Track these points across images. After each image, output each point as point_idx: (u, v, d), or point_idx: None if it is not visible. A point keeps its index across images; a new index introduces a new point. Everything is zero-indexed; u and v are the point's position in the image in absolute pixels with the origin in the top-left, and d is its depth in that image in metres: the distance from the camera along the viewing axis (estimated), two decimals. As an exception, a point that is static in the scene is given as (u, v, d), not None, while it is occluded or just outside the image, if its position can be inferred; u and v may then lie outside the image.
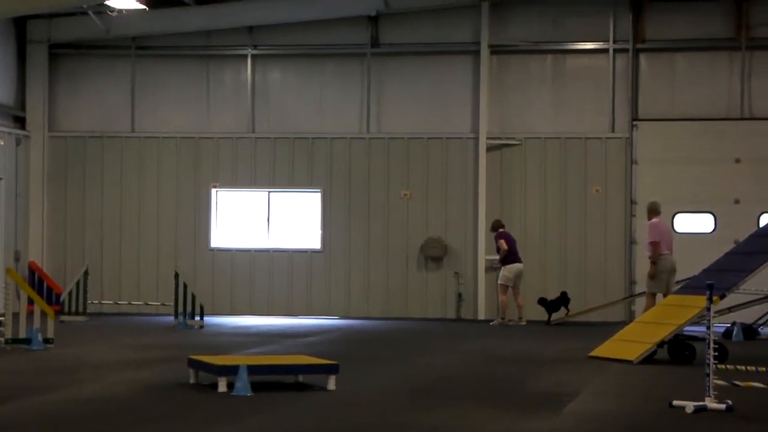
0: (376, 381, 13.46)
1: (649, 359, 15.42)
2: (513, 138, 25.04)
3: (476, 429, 10.16)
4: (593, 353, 16.19)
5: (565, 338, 19.94)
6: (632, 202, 24.49)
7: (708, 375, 11.20)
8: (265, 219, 25.83)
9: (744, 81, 24.43)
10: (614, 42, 24.92)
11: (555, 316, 23.33)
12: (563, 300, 23.44)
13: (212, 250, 25.65)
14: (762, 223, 22.84)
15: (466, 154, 25.13)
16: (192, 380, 12.67)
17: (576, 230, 24.77)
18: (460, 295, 24.90)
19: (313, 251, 25.55)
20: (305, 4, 25.44)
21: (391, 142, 25.47)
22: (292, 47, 25.98)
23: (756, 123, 24.26)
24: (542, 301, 23.43)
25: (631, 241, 24.46)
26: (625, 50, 24.86)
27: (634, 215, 24.39)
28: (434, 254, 24.92)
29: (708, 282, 11.86)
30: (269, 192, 25.85)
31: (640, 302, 22.33)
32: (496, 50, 25.19)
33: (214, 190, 25.78)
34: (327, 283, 25.37)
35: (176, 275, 21.73)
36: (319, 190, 25.62)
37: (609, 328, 19.08)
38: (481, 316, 24.64)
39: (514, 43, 25.24)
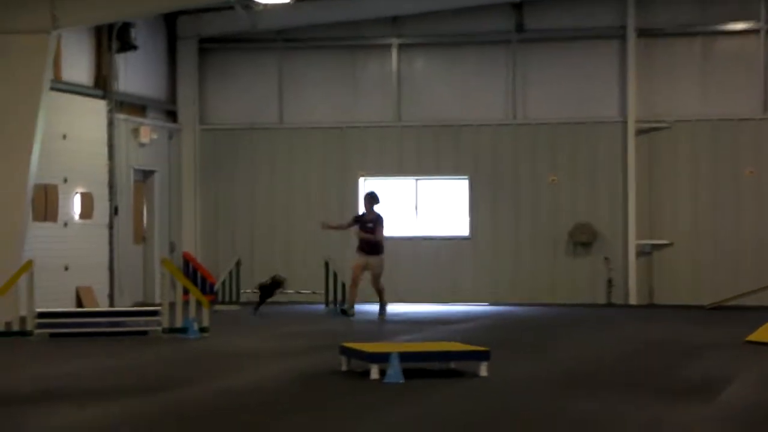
0: (527, 368, 13.42)
1: (808, 344, 15.07)
2: (663, 121, 24.69)
3: (628, 417, 10.04)
4: (750, 338, 15.86)
5: (719, 323, 19.60)
6: (786, 185, 23.96)
7: None
8: (412, 207, 25.95)
9: None
10: (766, 22, 24.36)
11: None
12: (275, 285, 21.98)
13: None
14: None
15: (613, 138, 24.87)
16: (344, 368, 12.79)
17: (729, 213, 24.31)
18: (610, 281, 24.66)
19: (461, 238, 25.58)
20: (449, -7, 25.46)
21: (538, 128, 25.34)
22: (436, 36, 26.02)
23: None
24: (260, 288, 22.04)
25: (787, 224, 23.94)
26: (777, 30, 24.32)
27: (787, 197, 23.86)
28: (583, 239, 24.72)
29: None
30: (416, 180, 25.96)
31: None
32: (642, 33, 24.85)
33: (362, 179, 25.98)
34: (475, 270, 25.38)
35: (326, 263, 21.97)
36: (466, 177, 25.62)
37: (766, 313, 18.68)
38: (632, 301, 24.38)
39: (661, 26, 24.87)
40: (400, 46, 26.15)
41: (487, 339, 15.83)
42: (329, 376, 12.52)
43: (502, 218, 25.34)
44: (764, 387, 11.95)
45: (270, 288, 21.85)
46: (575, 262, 24.93)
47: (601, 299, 24.70)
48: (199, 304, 17.42)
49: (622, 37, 24.89)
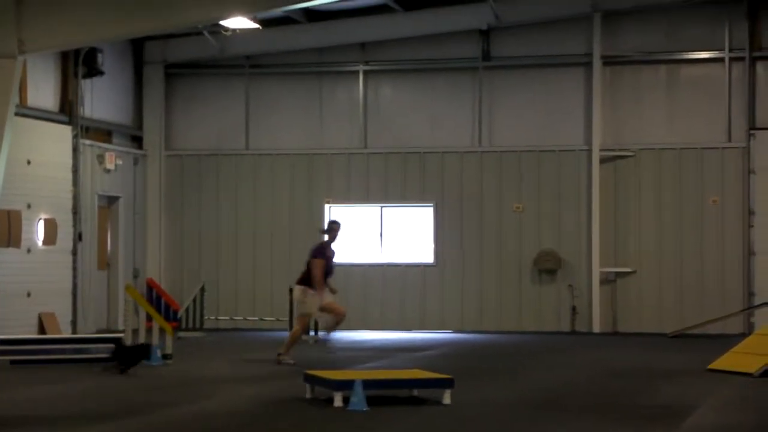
0: (491, 395, 13.41)
1: (770, 372, 15.15)
2: (627, 149, 24.81)
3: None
4: (712, 366, 15.94)
5: (682, 350, 19.68)
6: (750, 213, 24.09)
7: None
8: (378, 234, 25.94)
9: None
10: (730, 51, 24.55)
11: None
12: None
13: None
14: None
15: (578, 166, 24.96)
16: (308, 395, 12.75)
17: (693, 242, 24.42)
18: (574, 308, 24.71)
19: (426, 265, 25.58)
20: (416, 20, 25.49)
21: (503, 155, 25.41)
22: (403, 62, 26.09)
23: None
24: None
25: (750, 252, 24.05)
26: (741, 59, 24.48)
27: (752, 225, 24.00)
28: (548, 267, 24.77)
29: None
30: (382, 207, 25.97)
31: (760, 314, 21.96)
32: (608, 61, 24.99)
33: (327, 206, 25.96)
34: (440, 297, 25.38)
35: (291, 290, 21.88)
36: (431, 204, 25.65)
37: (728, 341, 18.77)
38: (596, 328, 24.43)
39: (627, 54, 25.02)
40: (367, 73, 26.20)
41: (452, 366, 15.83)
42: (293, 404, 12.48)
43: (467, 245, 25.36)
44: (728, 412, 12.01)
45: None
46: (540, 289, 24.98)
47: (566, 327, 24.74)
48: (162, 330, 17.33)
49: (588, 65, 25.02)
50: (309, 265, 17.00)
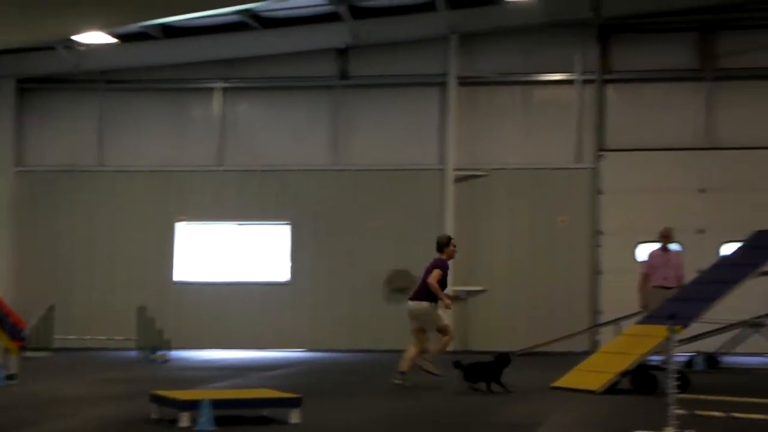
0: (342, 414, 13.43)
1: (612, 389, 15.46)
2: (480, 169, 25.13)
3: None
4: (557, 383, 16.21)
5: (529, 369, 19.94)
6: (598, 232, 24.61)
7: (670, 405, 11.24)
8: (233, 252, 25.82)
9: (709, 111, 24.62)
10: (582, 73, 25.08)
11: None
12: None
13: (179, 283, 25.64)
14: (723, 253, 22.95)
15: (433, 185, 25.21)
16: (155, 416, 12.61)
17: (543, 261, 24.85)
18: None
19: (282, 284, 25.54)
20: (275, 38, 25.52)
21: (360, 174, 25.54)
22: (261, 80, 26.07)
23: (720, 153, 24.47)
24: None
25: (597, 271, 24.55)
26: (593, 81, 25.03)
27: (599, 245, 24.50)
28: (400, 285, 24.89)
29: (670, 311, 11.93)
30: (238, 225, 25.86)
31: (604, 332, 22.38)
32: (464, 82, 25.32)
33: (181, 224, 25.75)
34: (295, 316, 25.36)
35: (140, 309, 21.70)
36: (287, 222, 25.63)
37: (573, 358, 19.09)
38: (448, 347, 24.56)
39: (483, 75, 25.39)
40: (226, 90, 26.11)
41: (304, 385, 15.81)
42: (139, 425, 12.32)
43: (322, 264, 25.41)
44: (568, 430, 12.22)
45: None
46: (393, 308, 25.06)
47: (419, 345, 24.84)
48: (7, 350, 16.96)
49: (444, 85, 25.30)
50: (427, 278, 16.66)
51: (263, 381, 17.10)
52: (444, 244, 16.96)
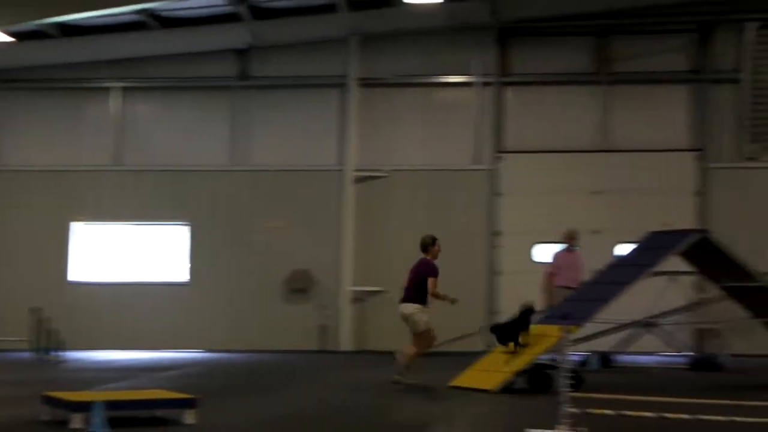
0: (239, 415, 13.38)
1: (508, 388, 15.61)
2: (379, 170, 25.20)
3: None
4: (454, 383, 16.33)
5: (427, 368, 20.01)
6: (495, 233, 24.81)
7: (562, 403, 11.38)
8: (132, 252, 25.59)
9: (604, 114, 24.96)
10: (481, 76, 25.26)
11: None
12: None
13: (75, 283, 25.33)
14: (618, 253, 23.26)
15: (332, 186, 25.21)
16: (47, 417, 12.45)
17: (442, 261, 24.83)
18: (323, 327, 24.87)
19: (180, 284, 25.37)
20: (174, 38, 25.35)
21: (258, 174, 25.47)
22: (159, 80, 25.88)
23: (615, 155, 24.83)
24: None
25: (494, 272, 24.75)
26: (491, 84, 25.24)
27: (495, 246, 24.71)
28: (300, 286, 24.90)
29: (564, 311, 12.09)
30: (135, 225, 25.63)
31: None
32: (364, 83, 25.37)
33: (78, 224, 25.45)
34: (193, 316, 25.20)
35: (32, 310, 21.42)
36: (186, 222, 25.47)
37: (470, 358, 19.23)
38: (346, 347, 24.66)
39: (383, 77, 25.47)
40: (123, 89, 25.86)
41: (200, 386, 15.72)
42: (31, 427, 12.15)
43: (221, 264, 25.30)
44: (463, 429, 12.31)
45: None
46: (292, 308, 25.07)
47: (315, 345, 24.85)
48: None
49: (345, 86, 25.33)
50: (417, 283, 16.51)
51: (159, 382, 16.96)
52: (429, 245, 16.95)
